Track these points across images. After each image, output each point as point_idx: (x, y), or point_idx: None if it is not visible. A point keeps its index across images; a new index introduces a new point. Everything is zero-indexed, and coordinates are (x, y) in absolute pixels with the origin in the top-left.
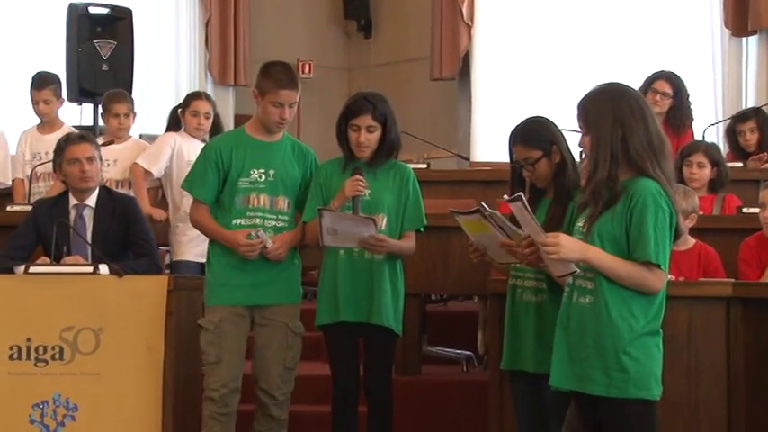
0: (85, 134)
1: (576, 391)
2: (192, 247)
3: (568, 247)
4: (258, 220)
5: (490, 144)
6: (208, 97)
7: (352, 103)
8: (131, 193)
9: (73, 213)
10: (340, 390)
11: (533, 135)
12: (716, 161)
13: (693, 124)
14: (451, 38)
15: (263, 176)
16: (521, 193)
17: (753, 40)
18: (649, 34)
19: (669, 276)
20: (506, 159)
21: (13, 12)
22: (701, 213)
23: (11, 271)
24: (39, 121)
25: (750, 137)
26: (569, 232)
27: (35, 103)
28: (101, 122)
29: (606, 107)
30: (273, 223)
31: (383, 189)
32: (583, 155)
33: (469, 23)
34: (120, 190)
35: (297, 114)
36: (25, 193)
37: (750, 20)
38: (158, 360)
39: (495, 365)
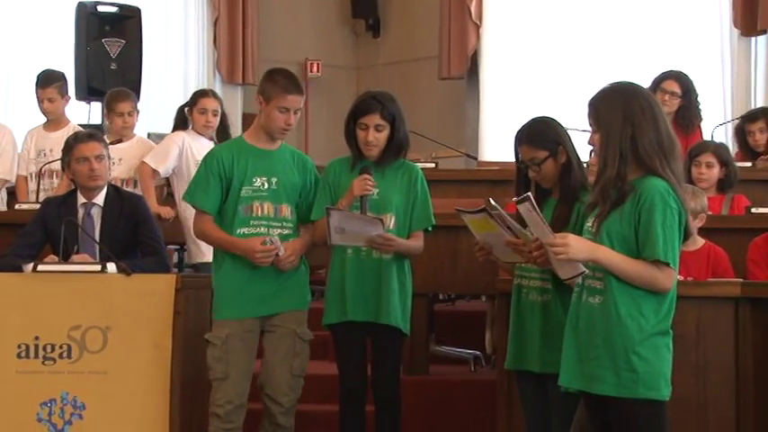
0: (94, 132)
1: (584, 391)
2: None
3: (577, 247)
4: (263, 229)
5: (498, 143)
6: (215, 95)
7: (361, 102)
8: (137, 192)
9: (81, 212)
10: (347, 389)
11: (539, 135)
12: (725, 161)
13: (702, 124)
14: (460, 37)
15: (266, 184)
16: (529, 194)
17: (762, 39)
18: (658, 33)
19: (678, 276)
20: (514, 159)
21: (21, 10)
22: (709, 213)
23: (19, 269)
24: (43, 119)
25: (759, 137)
26: (576, 232)
27: (40, 101)
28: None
29: (617, 105)
30: (279, 231)
31: (391, 188)
32: (592, 153)
33: (478, 23)
34: (124, 188)
35: (305, 113)
36: (28, 190)
37: (759, 19)
38: (166, 359)
39: (502, 365)
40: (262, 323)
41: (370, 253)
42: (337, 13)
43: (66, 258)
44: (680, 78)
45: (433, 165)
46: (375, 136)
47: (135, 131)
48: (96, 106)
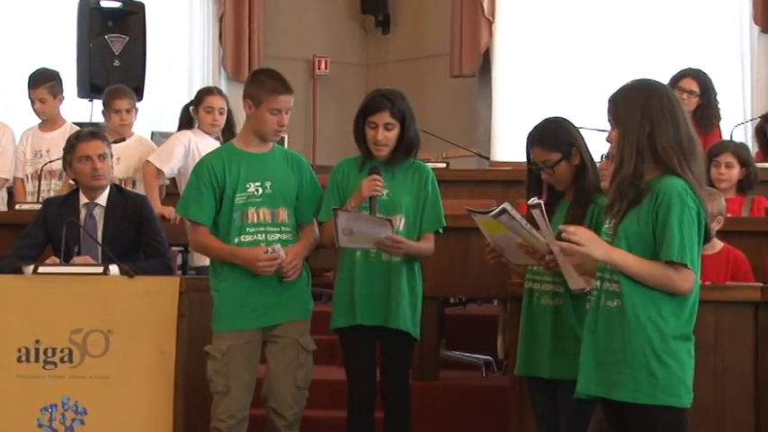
0: (97, 131)
1: (603, 397)
2: None
3: (593, 244)
4: (261, 236)
5: (511, 143)
6: (220, 92)
7: (370, 100)
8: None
9: (83, 212)
10: (356, 396)
11: (552, 137)
12: (745, 161)
13: (721, 123)
14: (472, 34)
15: (260, 189)
16: (540, 202)
17: None
18: (676, 30)
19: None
20: (526, 160)
21: (22, 6)
22: (729, 216)
23: (19, 271)
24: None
25: None
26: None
27: (32, 101)
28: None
29: (636, 102)
30: (278, 236)
31: (401, 189)
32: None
33: (490, 19)
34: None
35: (312, 112)
36: (25, 191)
37: None
38: (169, 363)
39: (514, 371)
40: (263, 334)
41: (380, 255)
42: (346, 8)
43: (67, 260)
44: (698, 76)
45: (444, 165)
46: (385, 135)
47: (138, 129)
48: (99, 104)
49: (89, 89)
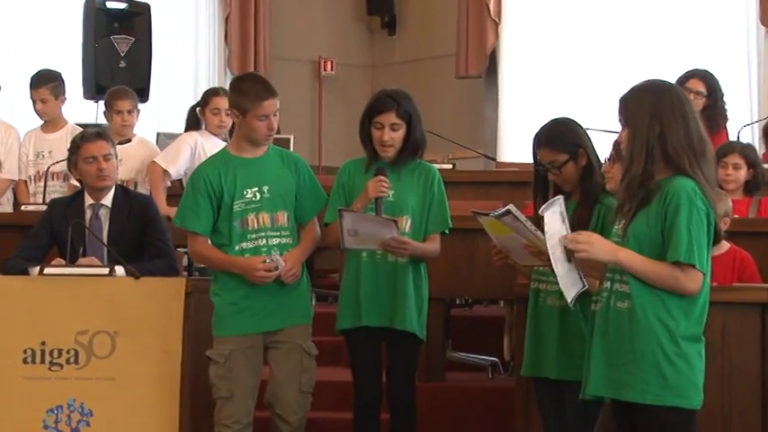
0: (102, 131)
1: (612, 398)
2: None
3: (599, 246)
4: (262, 241)
5: (517, 144)
6: (227, 93)
7: (376, 101)
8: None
9: (89, 213)
10: (362, 397)
11: (559, 138)
12: (752, 162)
13: (728, 124)
14: (478, 35)
15: (258, 194)
16: (560, 198)
17: None
18: (682, 31)
19: None
20: (532, 161)
21: (28, 7)
22: (735, 217)
23: (25, 272)
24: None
25: None
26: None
27: (33, 102)
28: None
29: (646, 102)
30: (278, 240)
31: (407, 190)
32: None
33: (496, 20)
34: None
35: (318, 113)
36: (29, 193)
37: None
38: (175, 364)
39: (521, 372)
40: (264, 339)
41: (386, 256)
42: (352, 9)
43: (73, 261)
44: (705, 77)
45: (450, 166)
46: (391, 135)
47: (143, 130)
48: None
49: (94, 90)
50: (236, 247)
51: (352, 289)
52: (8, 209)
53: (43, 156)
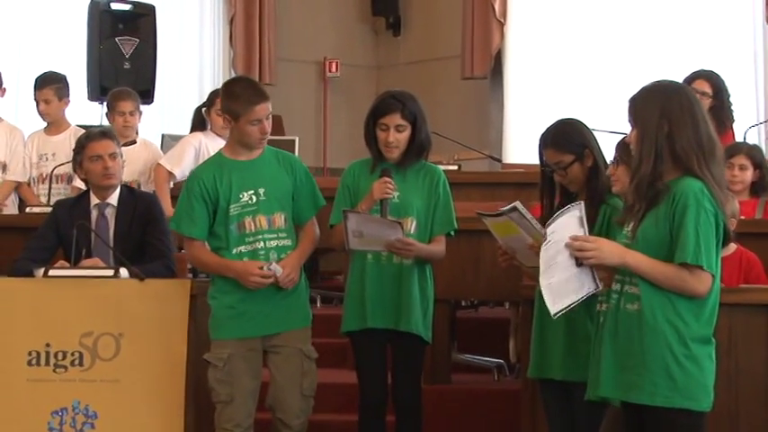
0: (107, 130)
1: (622, 400)
2: None
3: (608, 251)
4: (260, 244)
5: (523, 145)
6: None
7: (381, 102)
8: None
9: (95, 213)
10: (367, 400)
11: (565, 138)
12: (758, 163)
13: (734, 125)
14: (483, 35)
15: (255, 197)
16: (581, 203)
17: None
18: (688, 31)
19: None
20: (539, 162)
21: (32, 8)
22: (742, 218)
23: (32, 274)
24: (45, 124)
25: None
26: (602, 236)
27: (36, 102)
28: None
29: (654, 102)
30: (275, 243)
31: (412, 191)
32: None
33: (502, 20)
34: None
35: (323, 114)
36: (34, 195)
37: None
38: (180, 367)
39: (527, 374)
40: (263, 343)
41: (391, 258)
42: (357, 10)
43: (78, 262)
44: (711, 78)
45: (455, 167)
46: (396, 136)
47: (148, 132)
48: None
49: (99, 92)
50: (234, 251)
51: (357, 291)
52: (13, 211)
53: (46, 158)
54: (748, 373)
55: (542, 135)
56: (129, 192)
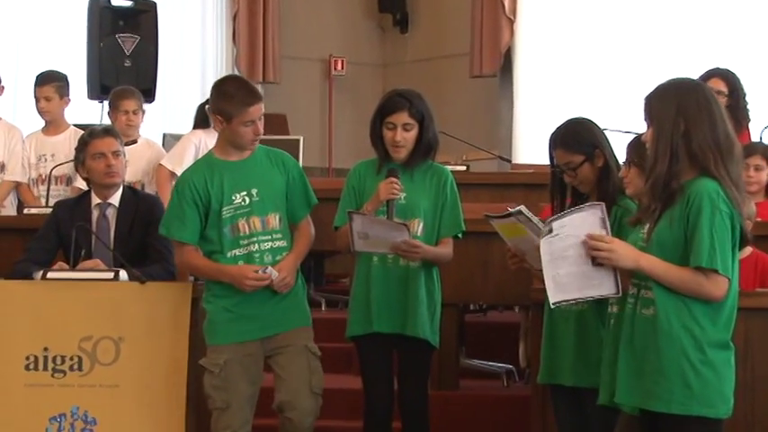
0: (110, 128)
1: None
2: None
3: (622, 254)
4: (254, 246)
5: (533, 145)
6: None
7: (388, 100)
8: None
9: (96, 213)
10: (373, 406)
11: (575, 138)
12: None
13: (750, 125)
14: (492, 33)
15: (247, 198)
16: (602, 204)
17: None
18: (703, 29)
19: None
20: (549, 163)
21: (31, 6)
22: (758, 220)
23: (30, 276)
24: (44, 124)
25: None
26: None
27: (36, 99)
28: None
29: (671, 100)
30: (269, 244)
31: (419, 192)
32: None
33: (511, 18)
34: None
35: (328, 113)
36: (33, 197)
37: None
38: (182, 372)
39: (537, 380)
40: (264, 347)
41: (397, 261)
42: (363, 7)
43: (76, 264)
44: (726, 76)
45: (463, 167)
46: (403, 136)
47: (149, 131)
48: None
49: (99, 90)
50: (228, 254)
51: (362, 294)
52: (11, 212)
53: (45, 159)
54: (765, 379)
55: (552, 135)
56: (131, 192)
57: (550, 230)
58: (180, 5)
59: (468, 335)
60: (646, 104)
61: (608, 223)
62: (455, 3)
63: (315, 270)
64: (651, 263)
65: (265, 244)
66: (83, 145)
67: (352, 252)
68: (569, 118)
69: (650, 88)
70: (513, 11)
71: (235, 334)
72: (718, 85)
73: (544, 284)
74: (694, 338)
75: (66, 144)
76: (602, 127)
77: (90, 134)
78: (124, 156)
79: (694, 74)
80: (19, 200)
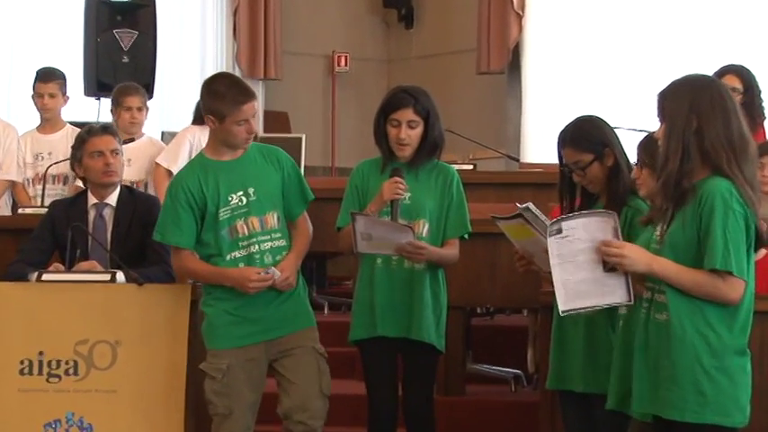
0: (109, 125)
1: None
2: None
3: (635, 258)
4: (254, 247)
5: (542, 143)
6: None
7: (392, 97)
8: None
9: (92, 213)
10: (377, 412)
11: (583, 137)
12: None
13: (766, 123)
14: (500, 28)
15: (244, 198)
16: (614, 214)
17: None
18: (716, 24)
19: None
20: (558, 162)
21: (26, 1)
22: None
23: (25, 278)
24: (39, 122)
25: None
26: (624, 239)
27: (39, 96)
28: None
29: (684, 96)
30: (269, 245)
31: (425, 192)
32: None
33: (520, 12)
34: None
35: (331, 111)
36: (28, 197)
37: None
38: (180, 376)
39: (545, 385)
40: (268, 351)
41: (402, 263)
42: (367, 1)
43: (72, 265)
44: (741, 73)
45: (470, 166)
46: (408, 133)
47: (147, 128)
48: (106, 103)
49: (96, 87)
50: (228, 257)
51: (366, 297)
52: (6, 212)
53: (42, 158)
54: None
55: (560, 133)
56: (128, 192)
57: (559, 230)
58: (179, 0)
59: (474, 339)
60: (659, 101)
61: (620, 232)
62: None
63: (317, 272)
64: (664, 266)
65: (265, 244)
66: (80, 143)
67: (356, 254)
68: (579, 116)
69: (663, 85)
70: (522, 5)
71: (237, 338)
72: (733, 81)
73: (553, 287)
74: (709, 344)
75: (63, 142)
76: (612, 125)
77: (88, 132)
78: (122, 155)
79: (709, 70)
80: (14, 200)
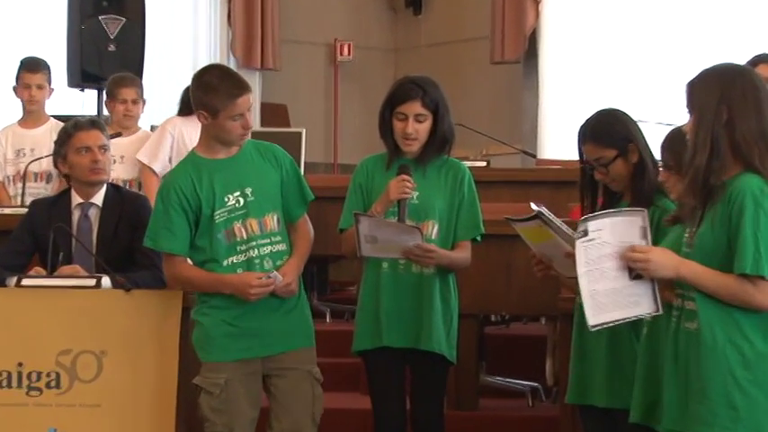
0: (96, 120)
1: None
2: None
3: (660, 263)
4: (254, 252)
5: (560, 138)
6: None
7: (399, 88)
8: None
9: (77, 214)
10: (384, 427)
11: (606, 132)
12: None
13: None
14: (516, 14)
15: (242, 199)
16: (645, 211)
17: None
18: (744, 9)
19: None
20: (578, 158)
21: None
22: None
23: (2, 283)
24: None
25: None
26: (657, 243)
27: (26, 87)
28: (105, 112)
29: (714, 86)
30: (269, 249)
31: (434, 191)
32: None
33: None
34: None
35: (334, 103)
36: (8, 196)
37: None
38: (171, 389)
39: (565, 399)
40: (264, 365)
41: (409, 267)
42: None
43: (54, 269)
44: None
45: (483, 163)
46: (415, 127)
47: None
48: (91, 94)
49: (80, 77)
50: (225, 263)
51: (371, 304)
52: None
53: (24, 153)
54: None
55: (581, 128)
56: (115, 191)
57: (585, 232)
58: None
59: (488, 349)
60: (687, 91)
61: (649, 232)
62: None
63: (318, 277)
64: (693, 270)
65: (265, 248)
66: (66, 137)
67: (359, 257)
68: (600, 109)
69: (691, 75)
70: None
71: (235, 351)
72: (766, 72)
73: (579, 296)
74: (742, 355)
75: (46, 137)
76: (636, 119)
77: (74, 126)
78: (110, 151)
79: (741, 59)
80: None
